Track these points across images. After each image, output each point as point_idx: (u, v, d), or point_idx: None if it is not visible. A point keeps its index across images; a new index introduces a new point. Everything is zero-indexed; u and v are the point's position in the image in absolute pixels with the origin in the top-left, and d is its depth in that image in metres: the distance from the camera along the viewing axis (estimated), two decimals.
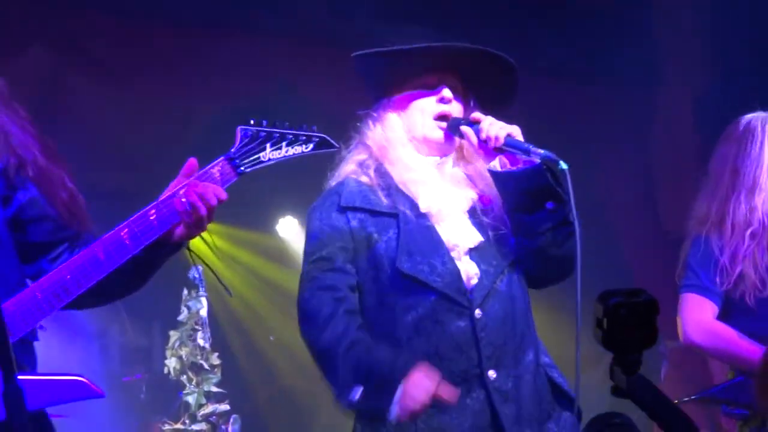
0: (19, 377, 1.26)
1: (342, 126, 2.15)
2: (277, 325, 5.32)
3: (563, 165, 1.91)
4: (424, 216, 1.99)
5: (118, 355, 5.08)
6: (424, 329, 1.94)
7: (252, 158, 1.82)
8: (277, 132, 1.85)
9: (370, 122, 2.02)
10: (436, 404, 1.90)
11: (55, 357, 3.91)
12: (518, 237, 2.09)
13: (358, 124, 2.07)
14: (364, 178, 1.98)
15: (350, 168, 1.99)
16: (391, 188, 1.97)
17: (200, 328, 4.39)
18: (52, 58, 4.29)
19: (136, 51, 4.44)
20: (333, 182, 2.04)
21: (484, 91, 2.15)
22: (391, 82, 2.05)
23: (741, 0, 4.49)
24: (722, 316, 2.83)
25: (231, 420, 4.39)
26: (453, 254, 2.00)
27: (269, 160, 1.83)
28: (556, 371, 2.11)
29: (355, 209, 1.98)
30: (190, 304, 4.40)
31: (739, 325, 2.74)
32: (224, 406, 4.36)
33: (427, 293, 1.94)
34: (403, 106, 2.02)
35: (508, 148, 1.94)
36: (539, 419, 2.02)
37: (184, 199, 1.69)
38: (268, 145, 1.85)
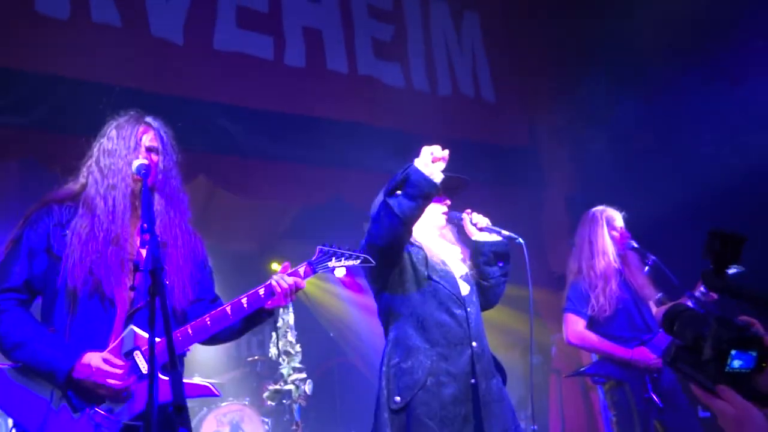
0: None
1: None
2: (334, 328, 7.01)
3: (520, 240, 2.93)
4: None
5: (245, 344, 6.65)
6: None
7: (323, 264, 2.38)
8: (339, 252, 2.41)
9: None
10: (441, 353, 2.65)
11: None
12: (478, 278, 2.94)
13: None
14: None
15: None
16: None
17: (289, 330, 5.57)
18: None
19: None
20: None
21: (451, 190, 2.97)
22: None
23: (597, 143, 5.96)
24: (589, 326, 3.77)
25: (307, 382, 5.44)
26: (456, 276, 2.84)
27: (333, 267, 2.39)
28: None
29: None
30: (283, 316, 5.55)
31: (598, 330, 3.77)
32: (303, 375, 5.45)
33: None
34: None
35: (487, 229, 2.95)
36: (489, 375, 2.78)
37: (283, 284, 2.25)
38: (333, 258, 2.39)
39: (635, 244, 3.82)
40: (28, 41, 4.17)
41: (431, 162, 2.61)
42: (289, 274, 2.30)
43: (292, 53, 5.29)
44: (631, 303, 3.75)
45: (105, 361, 2.06)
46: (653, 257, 3.79)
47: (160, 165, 2.34)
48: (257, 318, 2.32)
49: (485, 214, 3.06)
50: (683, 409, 3.64)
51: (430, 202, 2.70)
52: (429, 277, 2.76)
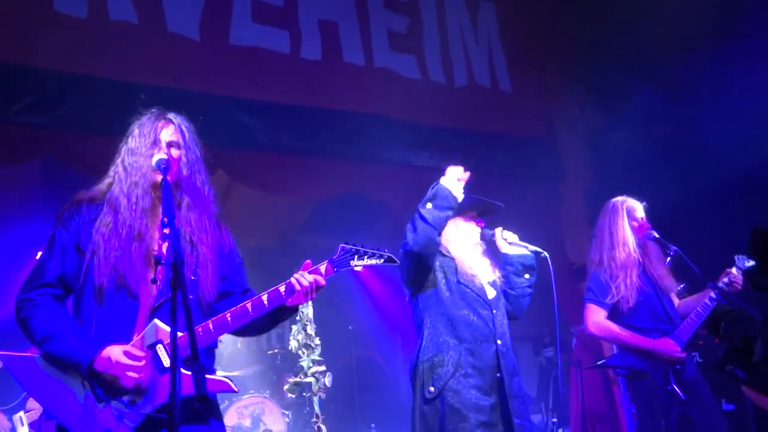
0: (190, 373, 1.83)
1: None
2: (353, 322, 7.11)
3: (545, 254, 3.20)
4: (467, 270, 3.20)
5: (266, 337, 6.62)
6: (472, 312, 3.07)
7: (344, 263, 2.37)
8: (361, 250, 2.39)
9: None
10: (469, 348, 2.98)
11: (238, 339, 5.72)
12: (506, 288, 3.27)
13: None
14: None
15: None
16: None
17: (308, 323, 5.40)
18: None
19: None
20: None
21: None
22: (461, 212, 3.25)
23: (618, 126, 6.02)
24: (610, 316, 3.74)
25: (327, 375, 5.38)
26: (483, 283, 3.19)
27: (354, 266, 2.38)
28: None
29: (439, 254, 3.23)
30: (302, 309, 5.35)
31: (619, 320, 3.72)
32: (322, 368, 5.37)
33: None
34: (466, 219, 3.31)
35: (516, 243, 3.29)
36: (513, 373, 3.04)
37: (303, 282, 2.26)
38: (356, 256, 2.37)
39: (656, 235, 3.79)
40: (47, 40, 4.29)
41: (456, 180, 3.07)
42: (310, 272, 2.31)
43: (308, 46, 5.31)
44: (652, 294, 3.72)
45: (125, 353, 2.10)
46: (674, 247, 3.75)
47: (183, 159, 2.35)
48: (279, 315, 2.34)
49: (504, 204, 3.31)
50: (707, 402, 3.60)
51: (454, 213, 3.10)
52: (458, 282, 3.10)
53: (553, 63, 6.47)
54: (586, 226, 5.59)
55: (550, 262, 3.13)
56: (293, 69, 5.19)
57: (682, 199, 5.12)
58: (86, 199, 2.34)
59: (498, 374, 2.94)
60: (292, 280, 2.27)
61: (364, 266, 2.39)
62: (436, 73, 5.88)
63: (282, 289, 2.27)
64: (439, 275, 3.15)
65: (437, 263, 3.19)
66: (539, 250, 3.20)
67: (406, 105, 5.47)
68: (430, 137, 5.65)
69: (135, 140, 2.36)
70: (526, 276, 3.23)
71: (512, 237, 3.28)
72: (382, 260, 2.39)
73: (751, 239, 1.26)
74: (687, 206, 5.12)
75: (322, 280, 2.30)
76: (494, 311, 3.09)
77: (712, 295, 3.49)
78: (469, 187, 3.18)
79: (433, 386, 2.90)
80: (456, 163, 3.14)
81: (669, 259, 3.84)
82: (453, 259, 3.21)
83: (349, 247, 2.37)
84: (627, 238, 3.73)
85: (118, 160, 2.38)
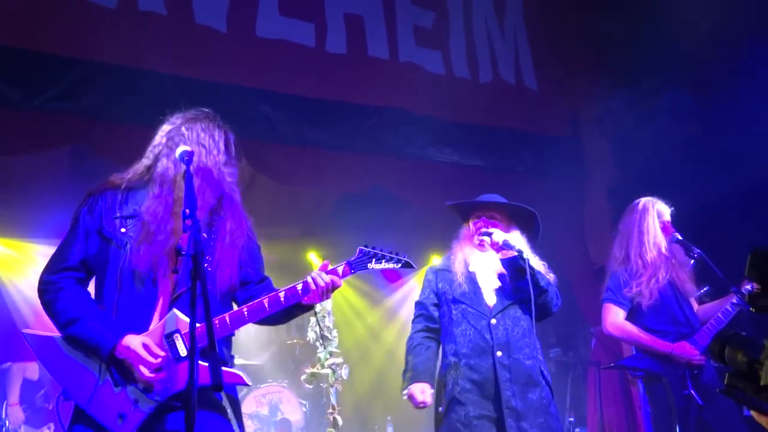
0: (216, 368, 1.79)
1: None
2: (369, 317, 7.26)
3: (524, 252, 3.04)
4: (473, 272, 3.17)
5: (285, 327, 6.66)
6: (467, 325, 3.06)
7: (362, 265, 2.39)
8: (380, 254, 2.41)
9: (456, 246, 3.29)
10: (468, 363, 2.95)
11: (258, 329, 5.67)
12: (519, 293, 3.12)
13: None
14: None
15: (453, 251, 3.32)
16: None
17: (327, 315, 5.64)
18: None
19: None
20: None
21: (522, 222, 3.31)
22: (466, 217, 3.33)
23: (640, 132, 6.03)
24: (628, 317, 3.70)
25: (343, 367, 5.54)
26: (484, 292, 3.14)
27: (372, 268, 2.39)
28: (545, 366, 3.07)
29: (441, 270, 3.31)
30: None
31: (637, 322, 3.69)
32: (339, 359, 5.54)
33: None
34: (468, 229, 3.29)
35: (504, 246, 3.13)
36: (525, 384, 2.94)
37: (320, 282, 2.28)
38: (373, 260, 2.38)
39: (680, 237, 3.74)
40: (77, 29, 4.36)
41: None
42: (328, 272, 2.32)
43: (334, 40, 5.31)
44: (672, 297, 3.68)
45: (144, 346, 2.14)
46: (698, 250, 3.68)
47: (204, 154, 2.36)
48: (293, 312, 2.36)
49: (526, 203, 3.26)
50: (725, 407, 3.51)
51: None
52: (454, 299, 3.11)
53: (580, 60, 6.38)
54: (608, 227, 5.36)
55: (527, 261, 3.01)
56: (318, 62, 5.21)
57: (710, 200, 5.00)
58: (112, 184, 2.35)
59: (495, 386, 2.90)
60: (309, 279, 2.28)
61: (381, 270, 2.40)
62: (461, 69, 5.86)
63: (299, 287, 2.29)
64: (439, 295, 3.22)
65: (439, 285, 3.23)
66: (520, 249, 3.07)
67: (430, 100, 5.46)
68: (454, 133, 5.64)
69: (195, 135, 2.37)
70: (525, 277, 3.03)
71: (500, 238, 3.13)
72: (400, 265, 2.40)
73: (750, 259, 1.18)
74: (715, 207, 5.01)
75: (338, 281, 2.31)
76: (494, 321, 3.02)
77: (734, 300, 3.43)
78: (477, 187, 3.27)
79: (441, 407, 2.98)
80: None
81: (692, 261, 3.76)
82: (450, 271, 3.22)
83: (367, 249, 2.39)
84: (658, 237, 3.70)
85: (159, 148, 2.38)
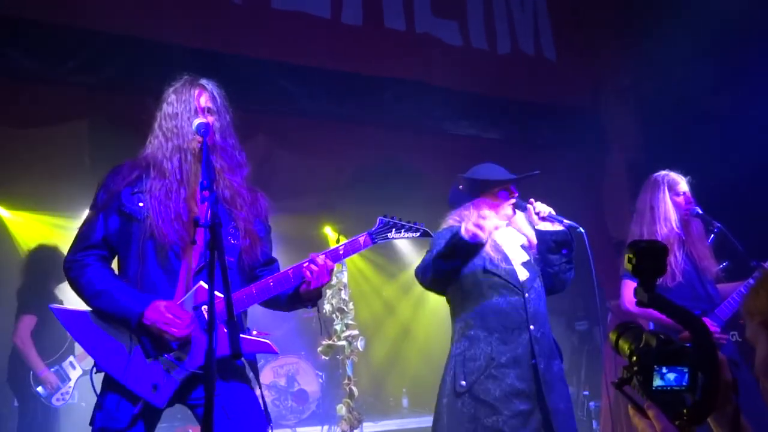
0: (240, 335, 1.86)
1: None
2: (385, 291, 7.27)
3: (581, 229, 2.92)
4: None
5: None
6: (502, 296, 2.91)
7: (382, 235, 2.42)
8: (399, 223, 2.44)
9: (470, 208, 3.04)
10: (500, 338, 2.82)
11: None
12: (543, 265, 3.03)
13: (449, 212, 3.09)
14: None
15: (453, 220, 3.09)
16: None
17: (342, 288, 5.64)
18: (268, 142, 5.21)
19: None
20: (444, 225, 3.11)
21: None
22: (485, 191, 3.06)
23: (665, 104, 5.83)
24: None
25: (359, 339, 5.57)
26: (515, 265, 2.98)
27: (392, 238, 2.42)
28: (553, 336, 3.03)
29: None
30: (337, 274, 5.59)
31: None
32: (355, 331, 5.56)
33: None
34: (492, 199, 3.06)
35: (549, 218, 2.96)
36: (550, 356, 2.93)
37: (313, 266, 2.29)
38: (393, 229, 2.41)
39: (699, 211, 3.65)
40: (95, 1, 4.35)
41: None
42: (349, 241, 2.35)
43: (350, 11, 5.25)
44: (692, 272, 3.60)
45: (167, 308, 2.17)
46: (718, 224, 3.60)
47: (216, 124, 2.40)
48: (296, 302, 2.38)
49: (544, 176, 3.06)
50: (745, 381, 3.42)
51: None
52: (485, 269, 2.91)
53: (602, 30, 6.24)
54: (627, 200, 5.42)
55: (586, 238, 2.89)
56: (334, 34, 5.16)
57: (733, 175, 4.83)
58: (128, 164, 2.40)
59: (533, 361, 2.80)
60: (303, 267, 2.30)
61: (400, 239, 2.41)
62: (479, 40, 5.76)
63: (305, 264, 2.31)
64: (471, 264, 2.96)
65: None
66: (574, 224, 2.92)
67: (448, 72, 5.41)
68: (471, 105, 5.58)
69: (173, 106, 2.40)
70: (562, 252, 2.97)
71: (545, 210, 2.98)
72: (419, 234, 2.43)
73: (628, 255, 1.17)
74: (739, 183, 4.86)
75: (330, 263, 2.31)
76: (526, 295, 2.91)
77: (757, 273, 3.34)
78: (495, 160, 3.08)
79: (465, 380, 2.79)
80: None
81: (712, 236, 3.68)
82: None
83: (387, 219, 2.39)
84: (669, 212, 3.62)
85: (155, 125, 2.42)
